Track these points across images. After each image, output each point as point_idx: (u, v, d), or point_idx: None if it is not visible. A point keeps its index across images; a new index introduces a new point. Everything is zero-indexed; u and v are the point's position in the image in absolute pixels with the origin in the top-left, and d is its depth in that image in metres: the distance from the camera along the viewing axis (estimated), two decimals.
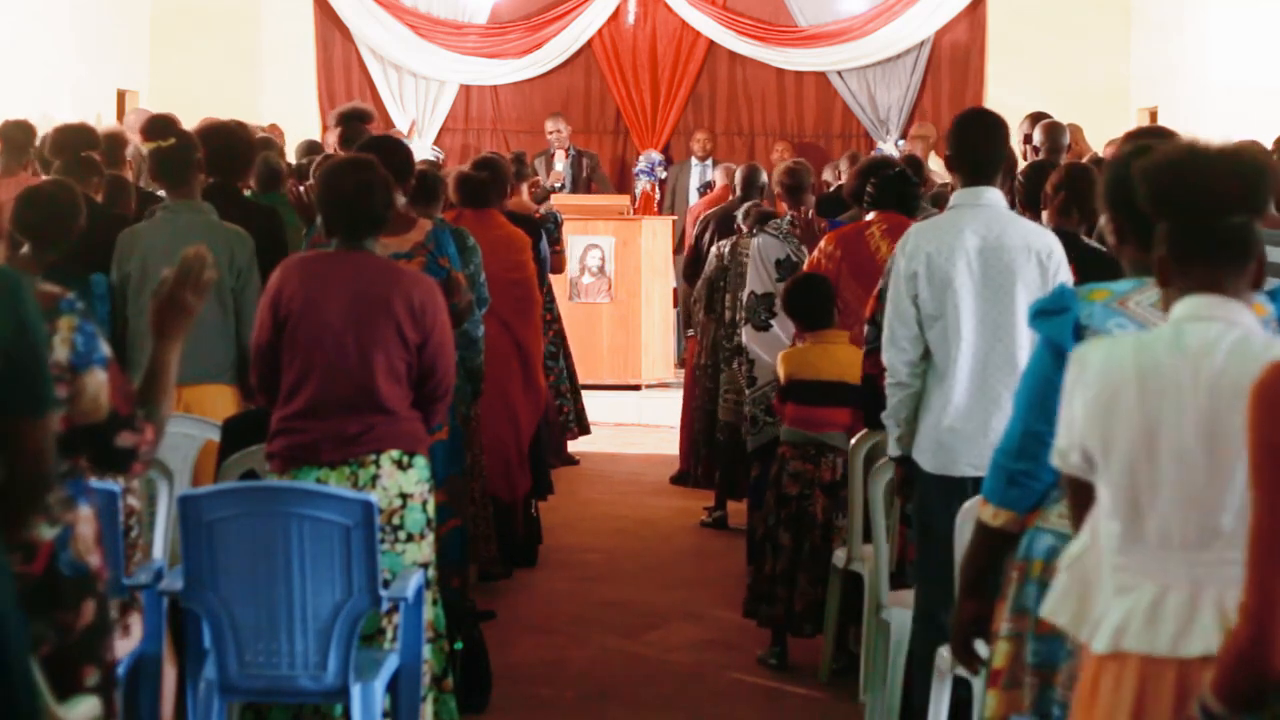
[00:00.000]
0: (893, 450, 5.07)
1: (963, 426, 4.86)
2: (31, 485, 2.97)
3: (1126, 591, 2.72)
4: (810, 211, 7.71)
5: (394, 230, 5.52)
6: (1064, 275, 4.92)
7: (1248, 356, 2.65)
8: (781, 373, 6.36)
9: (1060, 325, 3.38)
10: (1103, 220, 3.52)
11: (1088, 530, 2.86)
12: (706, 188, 13.49)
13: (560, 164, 13.63)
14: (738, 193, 9.56)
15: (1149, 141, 4.06)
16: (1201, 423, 2.66)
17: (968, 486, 4.84)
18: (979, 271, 4.85)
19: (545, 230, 9.09)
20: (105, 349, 3.24)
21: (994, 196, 4.96)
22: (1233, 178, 2.75)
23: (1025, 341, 4.84)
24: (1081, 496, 2.89)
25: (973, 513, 4.45)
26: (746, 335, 7.37)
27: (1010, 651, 3.47)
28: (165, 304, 3.44)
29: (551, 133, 13.79)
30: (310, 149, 9.33)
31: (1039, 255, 4.87)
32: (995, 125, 5.09)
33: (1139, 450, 2.71)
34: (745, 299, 7.39)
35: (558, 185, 13.35)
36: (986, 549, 3.55)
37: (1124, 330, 3.33)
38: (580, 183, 13.60)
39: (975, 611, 3.53)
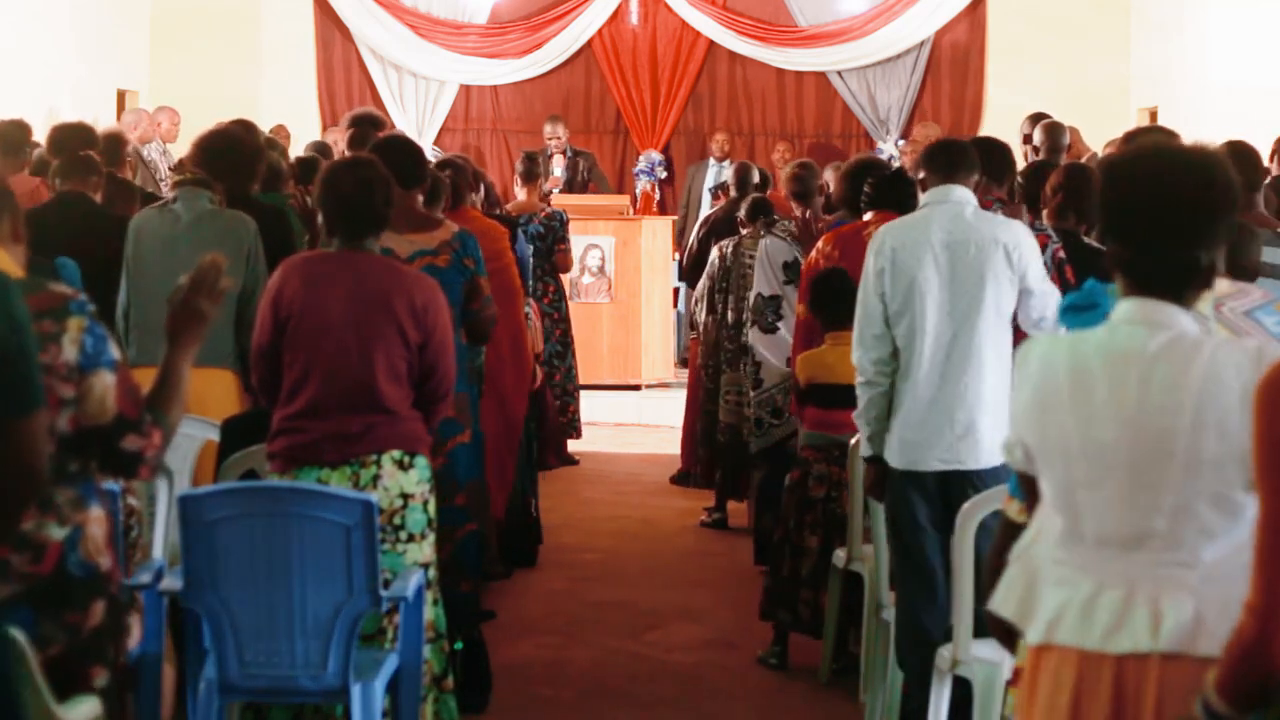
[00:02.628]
0: (864, 450, 5.12)
1: (926, 420, 4.92)
2: (22, 483, 2.97)
3: (1063, 585, 2.75)
4: (808, 213, 7.70)
5: (420, 228, 5.52)
6: (1032, 268, 4.98)
7: (1175, 359, 2.66)
8: (801, 376, 6.32)
9: (1091, 321, 3.38)
10: None
11: (1036, 522, 2.90)
12: (719, 189, 13.48)
13: (559, 169, 13.63)
14: (732, 192, 9.58)
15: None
16: (1131, 425, 2.67)
17: (929, 482, 4.89)
18: (945, 265, 4.94)
19: (551, 229, 9.09)
20: (114, 351, 3.23)
21: (963, 194, 5.07)
22: (1189, 210, 2.71)
23: (991, 333, 4.91)
24: (1031, 490, 2.92)
25: (973, 512, 4.50)
26: (753, 337, 7.37)
27: None
28: (180, 310, 3.40)
29: (550, 138, 13.78)
30: (319, 149, 9.32)
31: (1006, 247, 4.96)
32: (964, 143, 5.40)
33: (1073, 449, 2.74)
34: (752, 300, 7.39)
35: (555, 190, 13.35)
36: (1012, 543, 3.56)
37: None
38: (577, 183, 13.60)
39: None
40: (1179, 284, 2.73)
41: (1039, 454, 2.81)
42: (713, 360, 8.81)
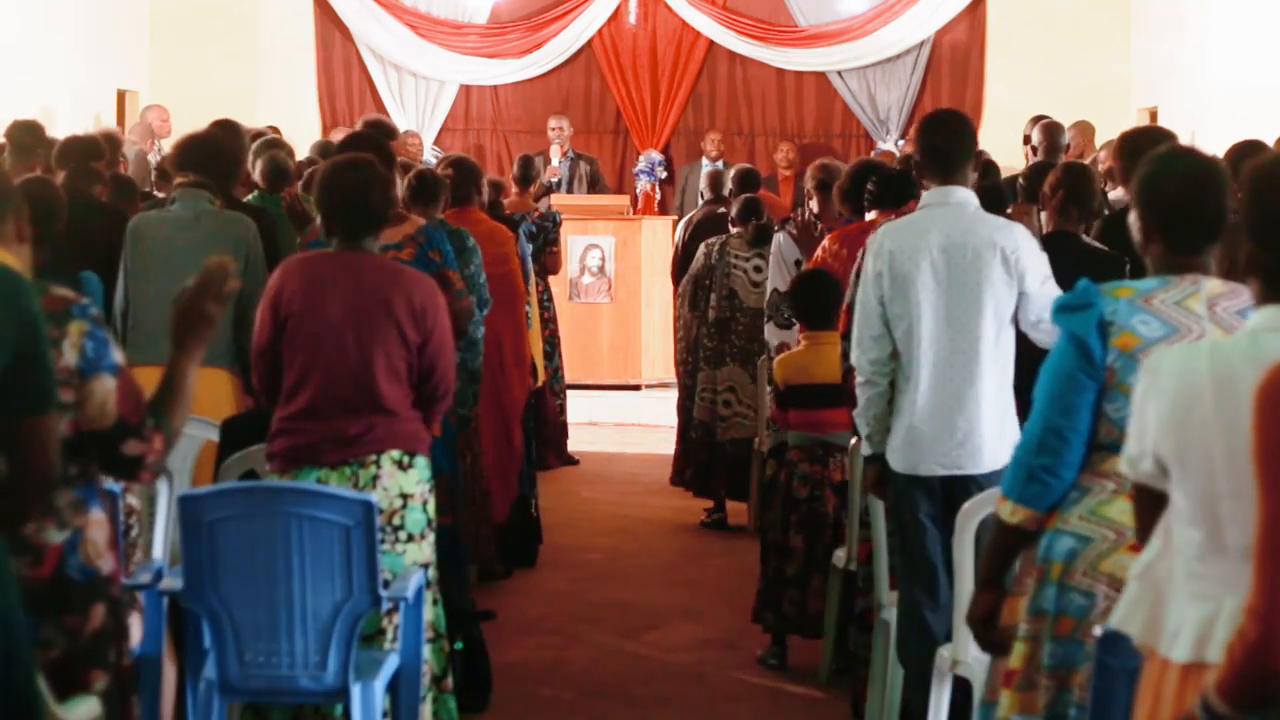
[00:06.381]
0: (865, 449, 5.09)
1: (927, 426, 4.88)
2: (36, 483, 2.98)
3: (1204, 599, 2.66)
4: (808, 213, 7.69)
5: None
6: (1031, 271, 4.90)
7: None
8: (779, 378, 6.35)
9: (1085, 320, 3.40)
10: (1131, 218, 3.52)
11: (1159, 538, 2.81)
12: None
13: (556, 159, 13.64)
14: (706, 195, 9.62)
15: (1181, 146, 4.03)
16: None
17: (936, 485, 4.88)
18: (943, 269, 4.88)
19: (543, 229, 9.08)
20: (117, 356, 3.21)
21: (964, 195, 5.00)
22: None
23: (990, 338, 4.87)
24: (1150, 504, 2.83)
25: (974, 511, 4.49)
26: (769, 332, 7.39)
27: (1026, 653, 3.47)
28: (186, 313, 3.36)
29: (554, 129, 13.80)
30: (324, 149, 9.29)
31: (1003, 251, 4.89)
32: (962, 124, 5.14)
33: (1218, 460, 2.66)
34: (768, 297, 7.41)
35: (554, 180, 13.36)
36: (1005, 545, 3.56)
37: (1148, 326, 3.37)
38: (576, 185, 13.59)
39: (992, 603, 3.55)
40: None
41: (1178, 466, 2.72)
42: (691, 357, 8.82)
